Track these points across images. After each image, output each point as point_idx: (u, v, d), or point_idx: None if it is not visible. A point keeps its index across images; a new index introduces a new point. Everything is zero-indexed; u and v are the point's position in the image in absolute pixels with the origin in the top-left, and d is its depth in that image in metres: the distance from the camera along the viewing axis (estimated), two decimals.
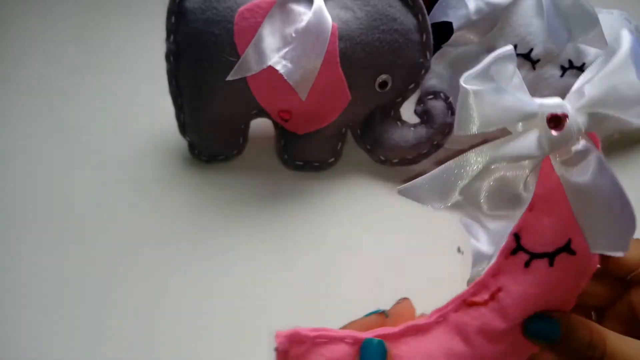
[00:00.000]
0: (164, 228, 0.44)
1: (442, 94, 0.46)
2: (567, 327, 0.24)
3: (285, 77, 0.39)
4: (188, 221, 0.45)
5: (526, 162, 0.22)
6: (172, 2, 0.43)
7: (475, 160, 0.23)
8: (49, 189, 0.47)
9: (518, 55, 0.44)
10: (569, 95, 0.22)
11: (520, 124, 0.22)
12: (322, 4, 0.40)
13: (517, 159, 0.22)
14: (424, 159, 0.47)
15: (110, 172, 0.48)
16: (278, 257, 0.43)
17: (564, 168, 0.22)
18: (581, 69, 0.45)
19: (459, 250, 0.42)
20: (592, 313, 0.30)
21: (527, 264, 0.24)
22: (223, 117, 0.46)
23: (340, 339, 0.26)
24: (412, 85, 0.45)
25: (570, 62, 0.45)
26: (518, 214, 0.23)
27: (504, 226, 0.23)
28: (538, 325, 0.24)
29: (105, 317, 0.39)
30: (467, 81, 0.21)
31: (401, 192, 0.23)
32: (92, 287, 0.40)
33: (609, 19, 0.47)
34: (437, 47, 0.46)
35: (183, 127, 0.47)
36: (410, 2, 0.43)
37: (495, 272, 0.25)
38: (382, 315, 0.27)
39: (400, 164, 0.47)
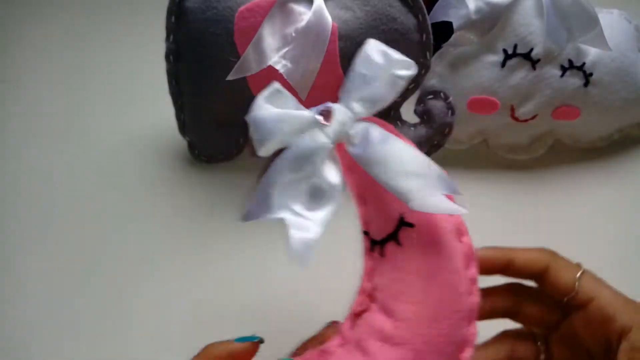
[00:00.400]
0: (163, 227, 0.44)
1: (442, 94, 0.46)
2: None
3: (285, 77, 0.39)
4: (188, 221, 0.45)
5: (319, 153, 0.24)
6: (172, 2, 0.43)
7: (280, 165, 0.25)
8: (49, 188, 0.47)
9: (518, 54, 0.44)
10: (339, 93, 0.26)
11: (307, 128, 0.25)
12: (322, 3, 0.40)
13: (310, 152, 0.24)
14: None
15: (110, 172, 0.48)
16: (278, 256, 0.42)
17: (352, 149, 0.25)
18: (581, 68, 0.45)
19: None
20: (538, 343, 0.30)
21: (381, 254, 0.25)
22: (223, 117, 0.46)
23: None
24: (412, 85, 0.45)
25: (570, 61, 0.45)
26: (333, 203, 0.25)
27: (325, 214, 0.25)
28: None
29: (104, 316, 0.39)
30: (252, 111, 0.25)
31: (244, 220, 0.26)
32: (91, 286, 0.41)
33: (608, 19, 0.47)
34: (437, 46, 0.46)
35: (183, 127, 0.47)
36: (410, 1, 0.43)
37: (369, 275, 0.26)
38: (334, 325, 0.28)
39: None
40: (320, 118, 0.25)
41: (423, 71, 0.44)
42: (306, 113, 0.25)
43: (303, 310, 0.39)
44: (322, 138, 0.25)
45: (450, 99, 0.45)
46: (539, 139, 0.49)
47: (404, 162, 0.24)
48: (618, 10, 0.49)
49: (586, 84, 0.45)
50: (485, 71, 0.45)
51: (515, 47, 0.44)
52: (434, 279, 0.24)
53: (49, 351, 0.37)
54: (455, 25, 0.44)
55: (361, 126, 0.25)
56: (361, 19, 0.42)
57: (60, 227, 0.44)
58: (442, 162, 0.48)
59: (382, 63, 0.26)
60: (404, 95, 0.46)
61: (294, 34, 0.40)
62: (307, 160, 0.24)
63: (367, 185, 0.26)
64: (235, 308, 0.39)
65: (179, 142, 0.48)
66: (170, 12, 0.43)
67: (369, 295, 0.26)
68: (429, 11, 0.44)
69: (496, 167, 0.49)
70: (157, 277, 0.41)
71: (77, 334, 0.38)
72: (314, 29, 0.39)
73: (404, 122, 0.47)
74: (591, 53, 0.46)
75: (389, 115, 0.46)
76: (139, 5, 0.67)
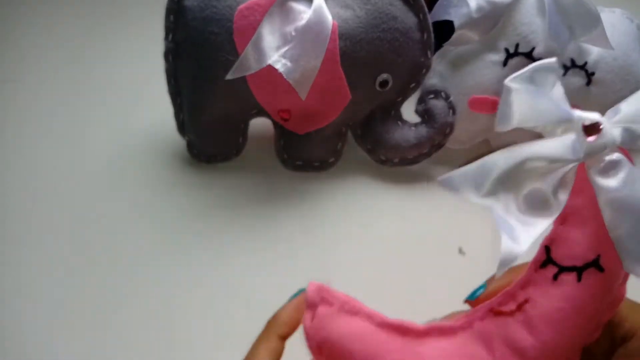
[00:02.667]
0: (163, 228, 0.44)
1: (443, 93, 0.46)
2: None
3: (285, 76, 0.39)
4: (187, 221, 0.45)
5: (559, 166, 0.23)
6: (171, 1, 0.43)
7: (511, 155, 0.23)
8: (48, 188, 0.47)
9: (520, 54, 0.44)
10: (607, 112, 0.24)
11: (559, 130, 0.23)
12: (322, 2, 0.40)
13: (551, 159, 0.23)
14: (424, 159, 0.47)
15: (108, 172, 0.48)
16: (277, 256, 0.43)
17: (597, 176, 0.23)
18: (583, 67, 0.45)
19: (460, 251, 0.42)
20: None
21: (555, 277, 0.25)
22: (222, 116, 0.46)
23: (367, 316, 0.26)
24: (412, 85, 0.45)
25: (572, 60, 0.45)
26: (547, 220, 0.23)
27: (536, 228, 0.23)
28: None
29: (104, 316, 0.39)
30: (511, 81, 0.23)
31: (440, 182, 0.24)
32: (91, 287, 0.40)
33: (610, 18, 0.47)
34: (438, 46, 0.46)
35: (182, 127, 0.47)
36: (411, 0, 0.43)
37: (524, 284, 0.26)
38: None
39: (400, 163, 0.47)
40: (582, 130, 0.23)
41: (424, 70, 0.44)
42: (570, 116, 0.23)
43: None
44: (575, 152, 0.23)
45: (451, 98, 0.45)
46: (540, 138, 0.49)
47: None
48: (620, 9, 0.49)
49: (588, 83, 0.46)
50: (486, 70, 0.45)
51: (516, 46, 0.44)
52: (589, 317, 0.25)
53: (50, 351, 0.37)
54: (456, 24, 0.44)
55: (617, 157, 0.23)
56: (362, 17, 0.42)
57: (60, 227, 0.44)
58: (443, 162, 0.49)
59: None
60: (404, 95, 0.46)
61: (293, 33, 0.39)
62: (546, 163, 0.23)
63: (579, 210, 0.25)
64: (236, 307, 0.39)
65: (178, 141, 0.48)
66: (169, 11, 0.43)
67: (518, 304, 0.25)
68: (430, 10, 0.44)
69: None
70: (156, 276, 0.41)
71: (77, 334, 0.38)
72: (314, 27, 0.39)
73: (404, 122, 0.47)
74: (593, 52, 0.46)
75: (390, 114, 0.46)
76: (138, 4, 0.67)
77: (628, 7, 0.50)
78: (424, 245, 0.43)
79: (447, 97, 0.45)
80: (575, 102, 0.46)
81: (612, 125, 0.23)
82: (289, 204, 0.46)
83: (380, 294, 0.38)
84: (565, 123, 0.23)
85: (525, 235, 0.23)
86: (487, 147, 0.49)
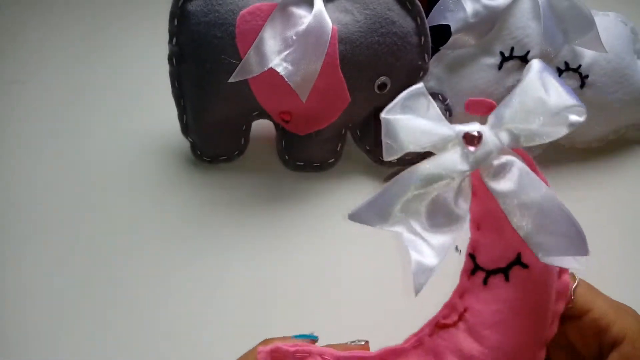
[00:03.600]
0: (166, 228, 0.45)
1: (440, 96, 0.46)
2: None
3: (286, 79, 0.40)
4: (190, 221, 0.45)
5: (455, 178, 0.23)
6: (175, 5, 0.43)
7: (406, 181, 0.24)
8: (54, 188, 0.48)
9: (515, 57, 0.45)
10: (489, 117, 0.24)
11: (449, 146, 0.24)
12: (322, 7, 0.40)
13: (444, 175, 0.23)
14: (422, 160, 0.47)
15: (114, 173, 0.49)
16: (279, 256, 0.43)
17: (491, 181, 0.23)
18: (577, 70, 0.46)
19: (456, 249, 0.42)
20: None
21: (485, 282, 0.25)
22: (225, 118, 0.46)
23: (319, 354, 0.26)
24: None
25: (566, 64, 0.45)
26: (456, 229, 0.24)
27: (445, 240, 0.24)
28: None
29: (107, 316, 0.39)
30: (386, 114, 0.24)
31: (350, 219, 0.25)
32: (95, 286, 0.41)
33: (604, 21, 0.47)
34: (435, 49, 0.46)
35: (185, 129, 0.47)
36: (409, 5, 0.43)
37: (461, 293, 0.26)
38: (365, 345, 0.28)
39: (399, 164, 0.47)
40: (463, 142, 0.23)
41: (421, 73, 0.45)
42: (450, 132, 0.24)
43: (305, 308, 0.39)
44: (462, 163, 0.23)
45: (448, 100, 0.46)
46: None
47: (544, 212, 0.22)
48: (614, 13, 0.49)
49: (582, 85, 0.46)
50: (482, 73, 0.45)
51: (512, 49, 0.45)
52: (529, 314, 0.25)
53: (52, 351, 0.37)
54: (453, 28, 0.45)
55: (505, 159, 0.23)
56: (361, 22, 0.42)
57: (65, 227, 0.45)
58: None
59: (553, 101, 0.23)
60: None
61: (294, 37, 0.40)
62: (438, 180, 0.23)
63: (488, 214, 0.25)
64: (238, 306, 0.40)
65: (182, 143, 0.49)
66: (172, 15, 0.43)
67: (459, 314, 0.26)
68: (428, 14, 0.45)
69: None
70: (160, 275, 0.41)
71: (80, 332, 0.38)
72: (314, 32, 0.40)
73: None
74: (587, 55, 0.46)
75: None
76: (142, 8, 0.68)
77: (622, 11, 0.50)
78: None
79: (444, 100, 0.46)
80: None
81: (494, 130, 0.24)
82: (290, 203, 0.46)
83: (380, 294, 0.39)
84: (449, 138, 0.24)
85: (435, 249, 0.23)
86: None
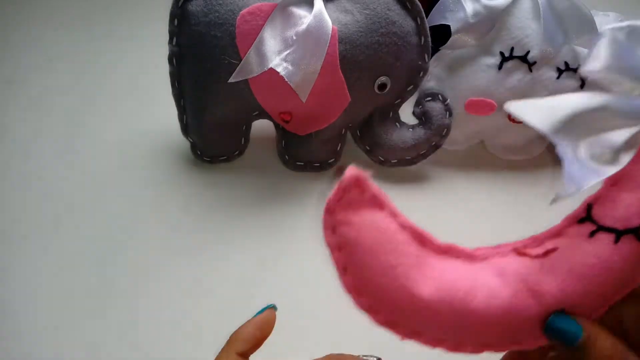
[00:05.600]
0: (166, 227, 0.45)
1: (440, 96, 0.46)
2: (590, 335, 0.23)
3: (286, 79, 0.40)
4: (190, 220, 0.45)
5: (632, 125, 0.22)
6: (175, 6, 0.43)
7: (591, 98, 0.23)
8: (54, 189, 0.48)
9: (515, 57, 0.45)
10: None
11: (637, 91, 0.23)
12: (323, 7, 0.40)
13: (628, 116, 0.22)
14: (422, 160, 0.47)
15: (114, 173, 0.49)
16: (279, 256, 0.43)
17: None
18: (577, 71, 0.46)
19: None
20: None
21: (592, 234, 0.24)
22: (225, 118, 0.47)
23: (393, 214, 0.25)
24: (410, 87, 0.46)
25: (566, 64, 0.45)
26: (604, 173, 0.23)
27: (591, 178, 0.23)
28: (560, 323, 0.24)
29: (107, 315, 0.39)
30: (611, 30, 0.23)
31: (511, 107, 0.23)
32: (94, 286, 0.41)
33: (605, 22, 0.47)
34: (435, 49, 0.46)
35: (185, 129, 0.48)
36: (409, 5, 0.43)
37: (554, 235, 0.25)
38: None
39: (398, 164, 0.48)
40: None
41: (421, 73, 0.45)
42: None
43: (305, 308, 0.40)
44: None
45: (448, 100, 0.46)
46: (535, 139, 0.49)
47: None
48: (614, 13, 0.49)
49: (582, 86, 0.46)
50: (482, 73, 0.45)
51: (511, 49, 0.45)
52: (615, 282, 0.24)
53: (53, 351, 0.38)
54: (453, 29, 0.45)
55: None
56: (361, 22, 0.42)
57: (66, 226, 0.45)
58: (440, 163, 0.49)
59: None
60: (402, 97, 0.46)
61: (294, 37, 0.40)
62: (621, 120, 0.22)
63: (635, 175, 0.24)
64: (238, 306, 0.40)
65: (182, 143, 0.49)
66: (173, 16, 0.44)
67: (545, 250, 0.25)
68: (427, 14, 0.45)
69: (493, 168, 0.49)
70: (160, 275, 0.41)
71: (81, 330, 0.38)
72: (314, 32, 0.40)
73: (402, 123, 0.47)
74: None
75: (388, 116, 0.47)
76: (142, 9, 0.68)
77: (622, 11, 0.50)
78: None
79: (444, 100, 0.46)
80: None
81: None
82: (290, 203, 0.47)
83: None
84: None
85: (582, 178, 0.22)
86: (483, 148, 0.50)
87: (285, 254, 0.43)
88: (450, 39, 0.46)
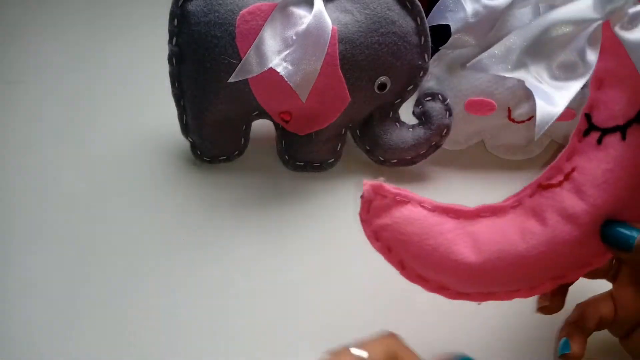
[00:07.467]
0: (166, 228, 0.45)
1: (440, 96, 0.46)
2: None
3: (286, 79, 0.40)
4: (190, 221, 0.45)
5: (584, 28, 0.23)
6: (175, 5, 0.43)
7: (534, 25, 0.23)
8: (55, 188, 0.48)
9: None
10: None
11: None
12: (322, 7, 0.40)
13: (575, 21, 0.23)
14: (422, 160, 0.47)
15: (113, 173, 0.49)
16: (279, 256, 0.43)
17: (623, 32, 0.23)
18: None
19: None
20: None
21: (599, 141, 0.24)
22: (225, 118, 0.47)
23: (418, 203, 0.26)
24: (410, 87, 0.46)
25: None
26: (579, 82, 0.23)
27: (570, 88, 0.23)
28: (616, 229, 0.24)
29: (106, 316, 0.39)
30: None
31: (471, 67, 0.25)
32: (94, 287, 0.41)
33: None
34: (435, 49, 0.46)
35: (185, 129, 0.48)
36: (409, 5, 0.43)
37: (569, 155, 0.25)
38: (393, 336, 0.25)
39: (398, 164, 0.48)
40: None
41: (421, 73, 0.45)
42: None
43: (305, 307, 0.40)
44: (595, 11, 0.22)
45: (448, 100, 0.46)
46: (535, 139, 0.49)
47: None
48: None
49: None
50: (482, 73, 0.45)
51: None
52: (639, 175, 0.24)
53: (52, 350, 0.37)
54: (453, 28, 0.45)
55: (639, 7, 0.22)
56: (361, 22, 0.42)
57: (65, 227, 0.45)
58: (439, 163, 0.49)
59: None
60: (402, 97, 0.46)
61: (294, 37, 0.40)
62: (568, 27, 0.23)
63: (614, 70, 0.24)
64: (237, 304, 0.40)
65: (182, 143, 0.49)
66: (172, 15, 0.44)
67: (565, 174, 0.25)
68: (427, 14, 0.45)
69: (493, 168, 0.49)
70: (160, 275, 0.41)
71: (80, 333, 0.38)
72: (314, 32, 0.40)
73: (402, 123, 0.47)
74: None
75: (388, 116, 0.47)
76: (142, 8, 0.68)
77: None
78: None
79: (444, 100, 0.46)
80: (572, 106, 0.46)
81: None
82: (290, 203, 0.47)
83: (380, 293, 0.39)
84: None
85: (559, 97, 0.23)
86: (483, 148, 0.50)
87: (285, 254, 0.43)
88: (450, 39, 0.46)
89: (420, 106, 0.47)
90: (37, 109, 0.56)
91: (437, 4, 0.45)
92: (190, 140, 0.48)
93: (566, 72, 0.24)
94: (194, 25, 0.43)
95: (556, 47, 0.23)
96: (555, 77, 0.24)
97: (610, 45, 0.23)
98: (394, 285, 0.40)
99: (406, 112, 0.48)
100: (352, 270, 0.42)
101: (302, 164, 0.48)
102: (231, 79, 0.41)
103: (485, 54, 0.24)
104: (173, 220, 0.45)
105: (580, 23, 0.23)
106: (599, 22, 0.23)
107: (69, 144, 0.52)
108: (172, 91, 0.46)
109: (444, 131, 0.46)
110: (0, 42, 0.64)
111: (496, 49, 0.24)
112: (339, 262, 0.42)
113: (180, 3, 0.43)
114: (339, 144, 0.48)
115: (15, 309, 0.40)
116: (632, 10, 0.22)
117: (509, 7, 0.45)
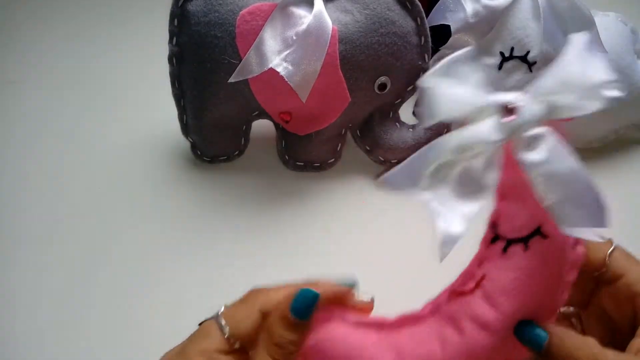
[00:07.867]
0: (166, 227, 0.45)
1: None
2: (554, 338, 0.25)
3: (286, 79, 0.40)
4: (190, 220, 0.45)
5: (486, 148, 0.24)
6: (175, 5, 0.43)
7: (438, 148, 0.24)
8: (54, 189, 0.48)
9: (515, 57, 0.45)
10: (528, 89, 0.25)
11: (484, 115, 0.24)
12: (323, 7, 0.40)
13: (476, 144, 0.23)
14: None
15: (114, 173, 0.49)
16: (279, 256, 0.43)
17: (522, 152, 0.23)
18: None
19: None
20: (573, 320, 0.30)
21: (504, 250, 0.26)
22: (225, 118, 0.47)
23: (341, 319, 0.28)
24: (410, 87, 0.46)
25: None
26: (482, 199, 0.24)
27: (472, 209, 0.24)
28: (527, 331, 0.25)
29: (108, 315, 0.39)
30: (429, 77, 0.24)
31: (379, 185, 0.25)
32: (95, 285, 0.41)
33: (604, 21, 0.47)
34: (435, 49, 0.46)
35: (186, 129, 0.48)
36: (409, 5, 0.43)
37: (479, 262, 0.26)
38: (370, 303, 0.29)
39: (399, 164, 0.48)
40: (501, 112, 0.23)
41: (421, 73, 0.45)
42: (488, 102, 0.24)
43: None
44: (496, 134, 0.23)
45: None
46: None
47: (572, 185, 0.22)
48: (614, 13, 0.49)
49: None
50: (482, 73, 0.45)
51: (511, 49, 0.45)
52: (544, 282, 0.25)
53: (52, 350, 0.38)
54: (453, 29, 0.45)
55: (539, 131, 0.23)
56: (361, 22, 0.42)
57: (66, 227, 0.45)
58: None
59: (591, 75, 0.24)
60: (402, 97, 0.46)
61: (294, 37, 0.40)
62: (470, 149, 0.23)
63: (515, 185, 0.25)
64: None
65: (182, 143, 0.49)
66: (173, 15, 0.44)
67: (476, 281, 0.26)
68: (427, 14, 0.45)
69: None
70: (160, 275, 0.42)
71: (81, 333, 0.38)
72: (314, 32, 0.40)
73: (402, 123, 0.47)
74: None
75: (388, 116, 0.47)
76: (142, 9, 0.68)
77: (622, 11, 0.50)
78: (423, 243, 0.43)
79: None
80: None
81: (531, 101, 0.24)
82: (290, 203, 0.47)
83: (380, 293, 0.39)
84: (487, 108, 0.24)
85: (461, 218, 0.23)
86: None
87: (285, 254, 0.43)
88: (450, 39, 0.45)
89: (421, 106, 0.47)
90: (37, 109, 0.56)
91: (437, 4, 0.45)
92: (190, 140, 0.48)
93: (467, 190, 0.24)
94: (194, 26, 0.43)
95: (458, 169, 0.24)
96: (456, 197, 0.24)
97: (512, 162, 0.24)
98: (395, 286, 0.40)
99: (406, 112, 0.48)
100: (352, 270, 0.42)
101: (302, 164, 0.48)
102: (231, 79, 0.41)
103: (393, 172, 0.25)
104: (173, 220, 0.45)
105: (481, 145, 0.23)
106: (499, 144, 0.24)
107: (69, 144, 0.52)
108: (173, 91, 0.46)
109: (444, 131, 0.46)
110: (1, 42, 0.64)
111: (405, 167, 0.25)
112: (339, 262, 0.42)
113: (180, 3, 0.43)
114: (339, 144, 0.48)
115: (17, 308, 0.40)
116: (530, 133, 0.23)
117: (509, 7, 0.45)
